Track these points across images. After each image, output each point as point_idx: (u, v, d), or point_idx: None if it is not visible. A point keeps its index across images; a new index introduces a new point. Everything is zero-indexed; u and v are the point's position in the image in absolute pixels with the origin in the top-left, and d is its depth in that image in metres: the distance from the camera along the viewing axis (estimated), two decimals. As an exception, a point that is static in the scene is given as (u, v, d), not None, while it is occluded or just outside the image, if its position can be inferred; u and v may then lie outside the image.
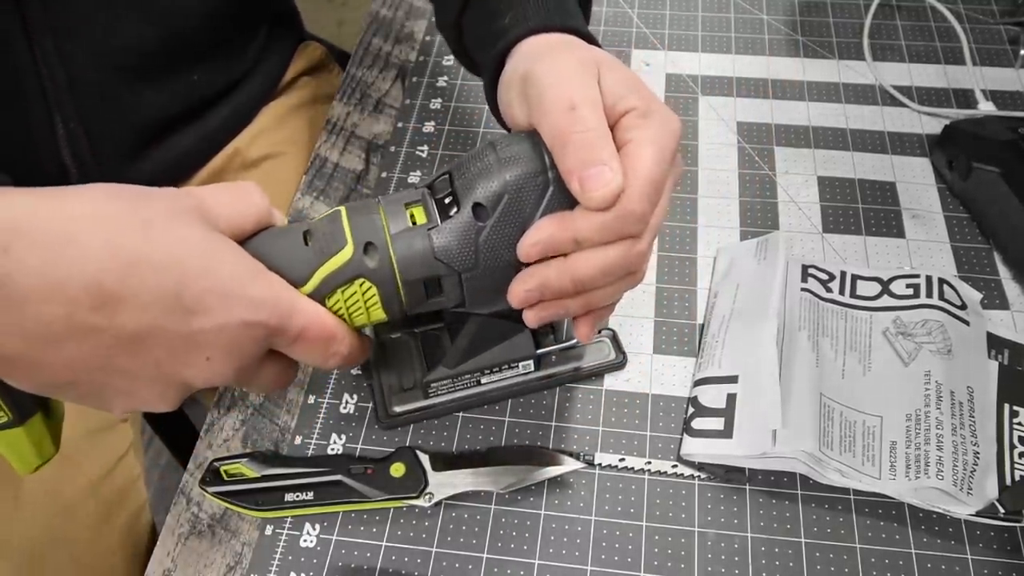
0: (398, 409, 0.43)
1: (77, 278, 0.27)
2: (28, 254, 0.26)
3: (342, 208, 0.34)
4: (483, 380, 0.42)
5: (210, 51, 0.55)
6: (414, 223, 0.34)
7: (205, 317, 0.29)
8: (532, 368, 0.43)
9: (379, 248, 0.33)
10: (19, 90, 0.46)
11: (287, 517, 0.41)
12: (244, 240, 0.33)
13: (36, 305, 0.26)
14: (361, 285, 0.33)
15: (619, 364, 0.45)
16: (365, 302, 0.34)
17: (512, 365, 0.42)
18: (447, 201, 0.34)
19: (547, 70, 0.33)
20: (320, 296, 0.33)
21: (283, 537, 0.40)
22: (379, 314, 0.35)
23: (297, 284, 0.33)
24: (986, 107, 0.55)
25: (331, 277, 0.33)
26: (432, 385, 0.42)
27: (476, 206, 0.33)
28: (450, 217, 0.33)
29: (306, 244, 0.33)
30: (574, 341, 0.43)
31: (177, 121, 0.55)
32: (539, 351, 0.42)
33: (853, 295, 0.46)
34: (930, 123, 0.55)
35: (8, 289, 0.26)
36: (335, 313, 0.34)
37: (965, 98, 0.56)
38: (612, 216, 0.31)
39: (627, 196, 0.31)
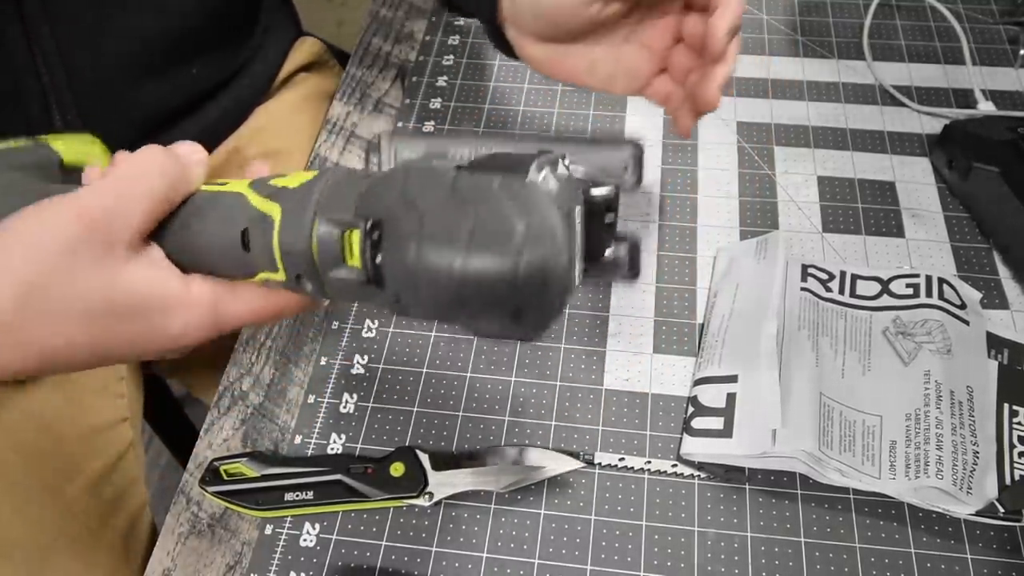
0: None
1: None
2: None
3: (276, 211, 0.29)
4: None
5: (208, 43, 0.55)
6: (345, 261, 0.27)
7: (139, 356, 0.30)
8: None
9: (312, 282, 0.29)
10: (17, 84, 0.46)
11: (287, 517, 0.41)
12: (171, 217, 0.30)
13: None
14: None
15: (631, 277, 0.34)
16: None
17: None
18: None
19: None
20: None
21: (283, 537, 0.40)
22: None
23: (234, 278, 0.31)
24: (986, 107, 0.55)
25: (272, 283, 0.30)
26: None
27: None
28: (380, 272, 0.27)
29: (247, 250, 0.29)
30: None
31: (176, 115, 0.55)
32: None
33: (853, 295, 0.46)
34: (930, 123, 0.55)
35: None
36: None
37: (965, 98, 0.56)
38: None
39: None
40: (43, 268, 0.26)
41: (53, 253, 0.26)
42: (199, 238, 0.30)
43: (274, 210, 0.29)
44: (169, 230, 0.30)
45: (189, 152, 0.31)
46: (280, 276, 0.29)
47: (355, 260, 0.27)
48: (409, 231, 0.25)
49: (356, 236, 0.27)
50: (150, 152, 0.29)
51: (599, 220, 0.29)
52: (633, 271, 0.32)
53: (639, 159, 0.38)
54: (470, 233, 0.24)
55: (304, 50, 0.67)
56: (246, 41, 0.59)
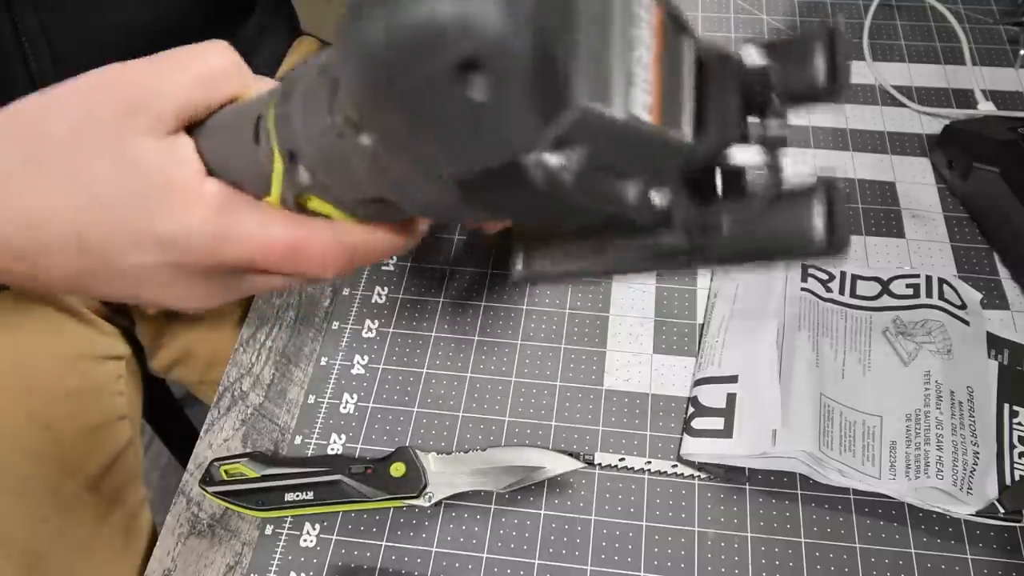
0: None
1: None
2: None
3: (277, 88, 0.26)
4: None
5: (199, 34, 0.54)
6: (330, 116, 0.23)
7: (120, 259, 0.26)
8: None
9: (305, 159, 0.25)
10: (5, 72, 0.46)
11: (287, 517, 0.41)
12: (204, 122, 0.27)
13: None
14: (312, 200, 0.26)
15: (825, 249, 0.21)
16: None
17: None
18: None
19: None
20: (297, 204, 0.26)
21: (283, 537, 0.40)
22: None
23: (259, 196, 0.26)
24: (986, 107, 0.55)
25: (285, 192, 0.26)
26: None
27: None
28: None
29: (256, 141, 0.26)
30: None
31: None
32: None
33: (853, 295, 0.46)
34: (930, 123, 0.55)
35: None
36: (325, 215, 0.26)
37: (965, 98, 0.56)
38: None
39: None
40: (60, 127, 0.25)
41: (76, 115, 0.25)
42: (224, 137, 0.27)
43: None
44: (202, 132, 0.27)
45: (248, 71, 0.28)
46: (280, 164, 0.25)
47: (339, 116, 0.23)
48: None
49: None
50: (215, 46, 0.27)
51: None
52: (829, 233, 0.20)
53: (834, 208, 0.21)
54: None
55: (302, 50, 0.67)
56: (239, 35, 0.58)
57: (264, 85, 0.28)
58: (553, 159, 0.17)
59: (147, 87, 0.25)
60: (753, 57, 0.21)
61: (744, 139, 0.20)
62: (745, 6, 0.65)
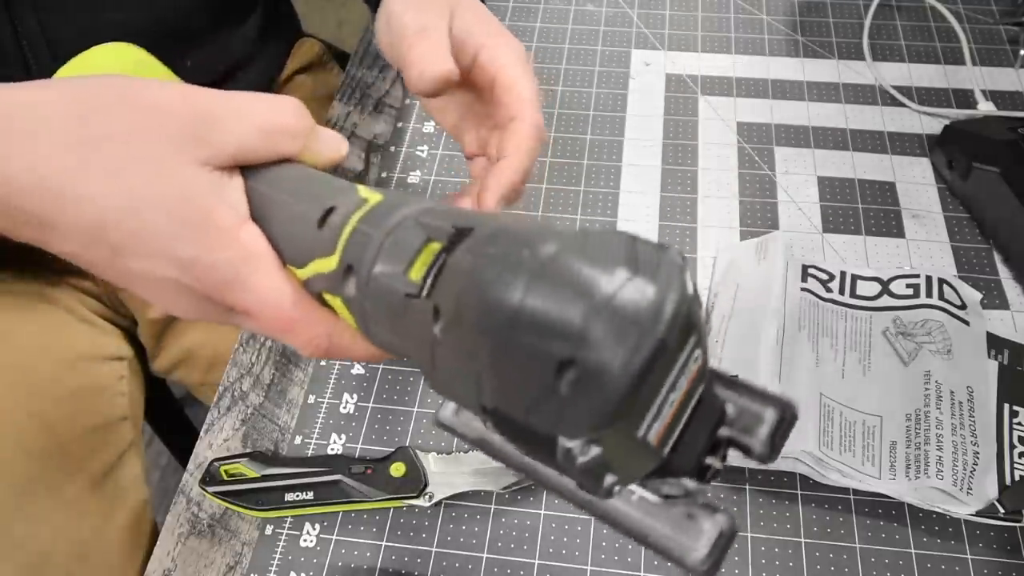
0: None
1: (11, 199, 0.25)
2: None
3: (369, 201, 0.27)
4: None
5: (200, 35, 0.54)
6: (407, 269, 0.24)
7: (131, 260, 0.26)
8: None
9: (359, 279, 0.26)
10: (5, 74, 0.46)
11: (287, 517, 0.41)
12: (258, 168, 0.28)
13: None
14: (341, 303, 0.27)
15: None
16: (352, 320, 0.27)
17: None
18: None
19: (404, 6, 0.36)
20: (313, 290, 0.28)
21: (283, 537, 0.40)
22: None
23: (286, 260, 0.27)
24: (986, 107, 0.55)
25: (317, 279, 0.27)
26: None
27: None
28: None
29: (319, 227, 0.26)
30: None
31: None
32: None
33: (853, 295, 0.46)
34: (930, 123, 0.55)
35: None
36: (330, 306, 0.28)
37: (965, 98, 0.56)
38: (536, 141, 0.35)
39: (534, 118, 0.35)
40: (123, 125, 0.25)
41: (141, 122, 0.25)
42: (280, 195, 0.27)
43: (375, 197, 0.27)
44: (257, 177, 0.28)
45: (330, 136, 0.30)
46: (331, 263, 0.26)
47: (416, 273, 0.24)
48: (480, 250, 0.22)
49: (432, 250, 0.24)
50: (291, 104, 0.28)
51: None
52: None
53: (785, 429, 0.24)
54: (549, 258, 0.20)
55: (303, 52, 0.67)
56: (240, 38, 0.58)
57: (322, 148, 0.29)
58: (579, 449, 0.19)
59: (216, 119, 0.26)
60: (725, 404, 0.24)
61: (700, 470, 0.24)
62: (745, 6, 0.65)
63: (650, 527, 0.24)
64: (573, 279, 0.19)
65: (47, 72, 0.47)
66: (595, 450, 0.20)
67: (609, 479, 0.21)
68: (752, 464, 0.40)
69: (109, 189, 0.25)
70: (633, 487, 0.24)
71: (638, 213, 0.52)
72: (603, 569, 0.39)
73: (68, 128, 0.25)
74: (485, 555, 0.39)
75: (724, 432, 0.24)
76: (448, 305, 0.22)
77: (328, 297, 0.27)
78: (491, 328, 0.20)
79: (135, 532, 0.53)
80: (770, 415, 0.24)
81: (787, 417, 0.24)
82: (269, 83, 0.62)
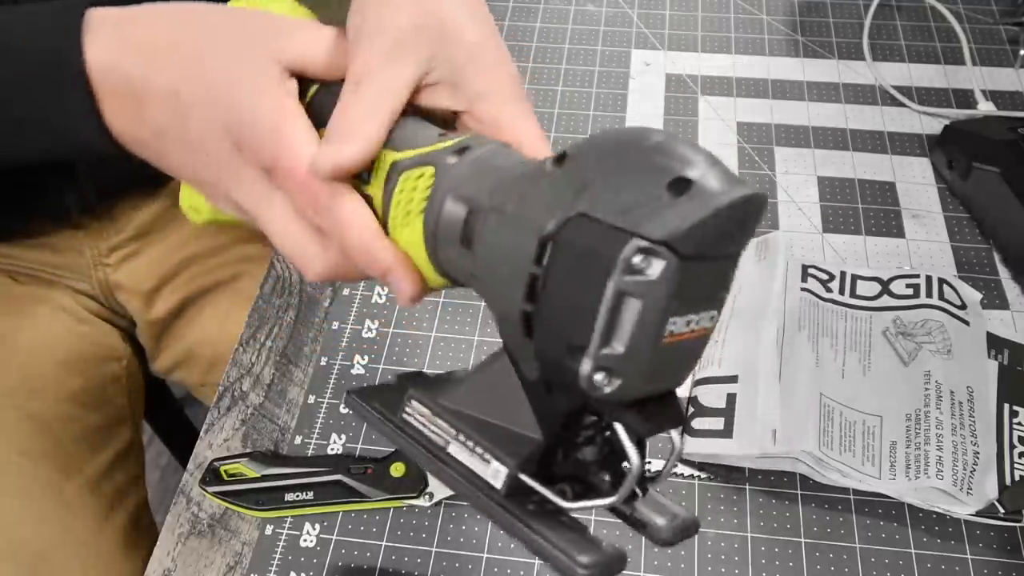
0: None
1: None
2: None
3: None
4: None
5: None
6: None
7: (194, 110, 0.29)
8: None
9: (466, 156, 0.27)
10: None
11: (287, 517, 0.41)
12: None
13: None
14: (422, 174, 0.27)
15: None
16: (412, 198, 0.28)
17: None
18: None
19: (369, 21, 0.30)
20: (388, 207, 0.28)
21: (283, 537, 0.40)
22: (416, 230, 0.28)
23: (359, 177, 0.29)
24: (986, 107, 0.55)
25: (402, 161, 0.28)
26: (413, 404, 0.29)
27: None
28: None
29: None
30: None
31: None
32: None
33: (853, 295, 0.46)
34: (930, 123, 0.55)
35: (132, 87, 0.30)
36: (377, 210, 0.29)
37: (965, 98, 0.56)
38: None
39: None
40: (215, 20, 0.31)
41: (231, 20, 0.31)
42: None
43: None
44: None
45: None
46: (443, 142, 0.28)
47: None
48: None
49: None
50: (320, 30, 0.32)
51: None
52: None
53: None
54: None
55: None
56: None
57: None
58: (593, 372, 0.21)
59: (287, 29, 0.31)
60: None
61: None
62: (745, 6, 0.65)
63: (541, 539, 0.24)
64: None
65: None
66: (616, 382, 0.21)
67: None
68: (752, 464, 0.40)
69: (189, 66, 0.30)
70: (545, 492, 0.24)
71: (638, 213, 0.52)
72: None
73: (176, 15, 0.31)
74: (485, 555, 0.39)
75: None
76: (574, 151, 0.23)
77: (406, 176, 0.28)
78: (623, 147, 0.22)
79: (133, 532, 0.53)
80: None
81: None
82: None
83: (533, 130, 0.31)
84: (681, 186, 0.20)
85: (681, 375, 0.24)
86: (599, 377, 0.21)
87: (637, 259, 0.20)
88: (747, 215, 0.21)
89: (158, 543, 0.41)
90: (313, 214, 0.29)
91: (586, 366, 0.21)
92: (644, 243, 0.20)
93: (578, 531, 0.24)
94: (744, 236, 0.22)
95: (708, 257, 0.21)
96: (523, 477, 0.25)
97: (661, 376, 0.23)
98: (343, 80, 0.30)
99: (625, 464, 0.24)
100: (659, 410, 0.23)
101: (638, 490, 0.25)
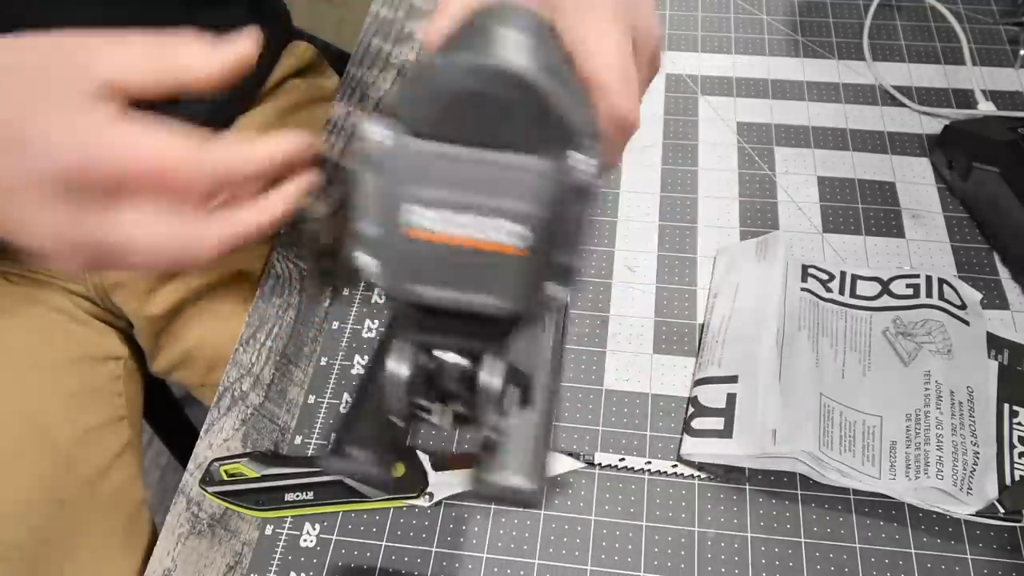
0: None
1: None
2: None
3: None
4: None
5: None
6: None
7: (13, 155, 0.28)
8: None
9: None
10: None
11: (287, 517, 0.41)
12: None
13: None
14: None
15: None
16: None
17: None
18: None
19: None
20: None
21: (283, 537, 0.40)
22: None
23: None
24: (986, 107, 0.55)
25: None
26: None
27: None
28: None
29: None
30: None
31: (150, 109, 0.53)
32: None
33: (853, 295, 0.46)
34: (930, 123, 0.55)
35: None
36: None
37: (965, 98, 0.56)
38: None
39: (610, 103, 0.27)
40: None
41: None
42: None
43: None
44: None
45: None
46: None
47: None
48: None
49: None
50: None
51: None
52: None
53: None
54: None
55: (295, 56, 0.65)
56: (219, 29, 0.57)
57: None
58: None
59: (90, 47, 0.29)
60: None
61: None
62: (745, 6, 0.65)
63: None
64: None
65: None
66: None
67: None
68: (752, 464, 0.40)
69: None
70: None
71: (639, 212, 0.52)
72: (603, 569, 0.39)
73: None
74: (485, 555, 0.40)
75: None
76: None
77: None
78: None
79: (133, 532, 0.53)
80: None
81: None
82: (256, 89, 0.61)
83: (602, 55, 0.26)
84: (428, 71, 0.21)
85: (461, 287, 0.22)
86: (362, 256, 0.22)
87: (367, 129, 0.20)
88: (497, 97, 0.20)
89: (158, 543, 0.41)
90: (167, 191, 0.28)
91: (351, 247, 0.21)
92: (376, 117, 0.21)
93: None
94: (508, 127, 0.21)
95: (450, 139, 0.20)
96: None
97: (427, 277, 0.22)
98: (173, 86, 0.29)
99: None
100: (452, 325, 0.23)
101: (494, 424, 0.25)
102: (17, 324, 0.53)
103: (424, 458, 0.41)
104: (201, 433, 0.45)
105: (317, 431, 0.44)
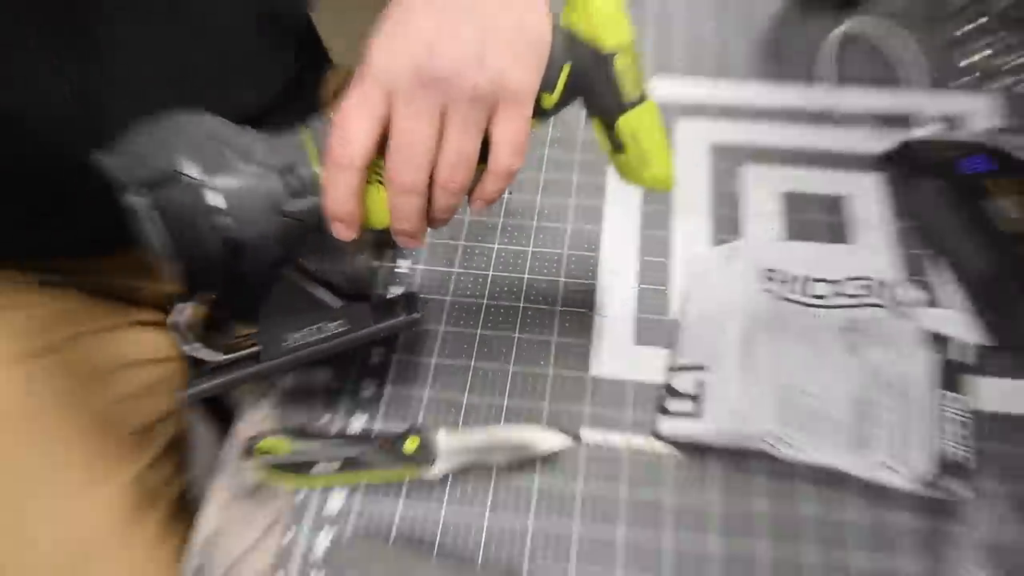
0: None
1: None
2: None
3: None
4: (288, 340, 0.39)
5: (243, 67, 0.52)
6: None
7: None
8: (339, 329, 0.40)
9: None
10: (81, 109, 0.44)
11: (316, 486, 0.43)
12: None
13: None
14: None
15: (413, 322, 0.41)
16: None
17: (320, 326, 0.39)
18: None
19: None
20: None
21: (314, 501, 0.43)
22: None
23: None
24: (931, 129, 0.56)
25: None
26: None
27: None
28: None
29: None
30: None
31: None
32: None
33: (809, 295, 0.48)
34: (882, 143, 0.56)
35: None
36: None
37: (914, 120, 0.58)
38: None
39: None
40: None
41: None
42: None
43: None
44: None
45: None
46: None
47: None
48: None
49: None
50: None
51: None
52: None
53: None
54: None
55: (335, 80, 0.66)
56: (279, 72, 0.56)
57: None
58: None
59: None
60: None
61: None
62: (718, 31, 0.66)
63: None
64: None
65: (98, 122, 0.43)
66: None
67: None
68: (720, 441, 0.42)
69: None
70: None
71: (621, 223, 0.54)
72: (589, 533, 0.41)
73: None
74: (486, 520, 0.42)
75: None
76: None
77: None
78: None
79: (175, 518, 0.53)
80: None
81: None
82: (311, 112, 0.61)
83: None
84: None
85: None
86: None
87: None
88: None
89: (206, 507, 0.44)
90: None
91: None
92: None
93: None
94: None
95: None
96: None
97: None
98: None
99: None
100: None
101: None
102: (104, 330, 0.54)
103: (435, 435, 0.42)
104: (240, 414, 0.47)
105: (342, 413, 0.46)
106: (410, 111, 0.32)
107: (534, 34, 0.34)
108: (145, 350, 0.56)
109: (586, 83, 0.35)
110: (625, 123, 0.36)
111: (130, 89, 0.45)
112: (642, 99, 0.36)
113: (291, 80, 0.58)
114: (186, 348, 0.38)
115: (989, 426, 0.43)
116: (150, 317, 0.58)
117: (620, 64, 0.35)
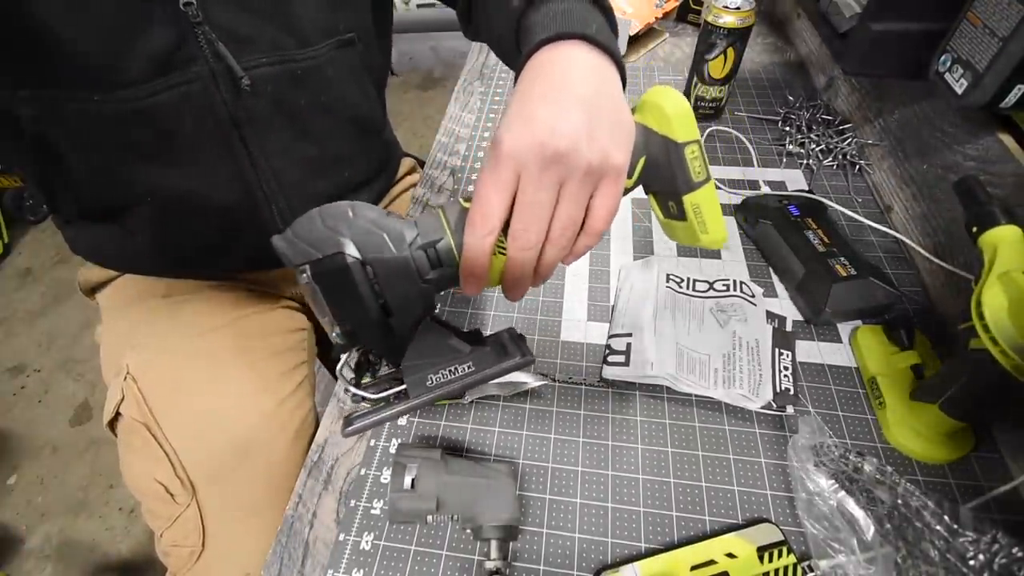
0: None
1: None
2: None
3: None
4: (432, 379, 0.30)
5: (351, 158, 0.50)
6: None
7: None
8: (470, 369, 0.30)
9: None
10: (248, 194, 0.43)
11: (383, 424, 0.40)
12: None
13: None
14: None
15: (528, 363, 0.31)
16: None
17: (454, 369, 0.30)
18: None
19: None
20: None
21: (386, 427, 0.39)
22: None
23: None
24: (765, 189, 0.54)
25: None
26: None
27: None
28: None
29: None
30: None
31: (335, 198, 0.49)
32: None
33: (694, 290, 0.46)
34: (735, 198, 0.55)
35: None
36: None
37: (754, 184, 0.56)
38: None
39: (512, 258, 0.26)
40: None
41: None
42: None
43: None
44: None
45: None
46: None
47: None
48: None
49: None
50: None
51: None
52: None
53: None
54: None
55: (406, 165, 0.63)
56: (372, 158, 0.54)
57: None
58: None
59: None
60: None
61: None
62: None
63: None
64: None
65: (273, 189, 0.42)
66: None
67: None
68: (640, 380, 0.40)
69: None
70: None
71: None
72: (560, 436, 0.38)
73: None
74: (496, 430, 0.39)
75: None
76: None
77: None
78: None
79: (305, 427, 0.50)
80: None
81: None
82: (390, 182, 0.57)
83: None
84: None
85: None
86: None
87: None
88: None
89: (320, 426, 0.41)
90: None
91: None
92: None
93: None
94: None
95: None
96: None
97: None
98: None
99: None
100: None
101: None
102: (258, 312, 0.51)
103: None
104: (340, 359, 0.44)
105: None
106: (538, 184, 0.25)
107: (627, 124, 0.27)
108: (287, 324, 0.54)
109: (656, 172, 0.28)
110: (690, 199, 0.28)
111: (275, 175, 0.44)
112: (707, 179, 0.28)
113: (376, 163, 0.55)
114: (353, 390, 0.31)
115: (804, 370, 0.40)
116: (288, 304, 0.55)
117: (689, 153, 0.28)
